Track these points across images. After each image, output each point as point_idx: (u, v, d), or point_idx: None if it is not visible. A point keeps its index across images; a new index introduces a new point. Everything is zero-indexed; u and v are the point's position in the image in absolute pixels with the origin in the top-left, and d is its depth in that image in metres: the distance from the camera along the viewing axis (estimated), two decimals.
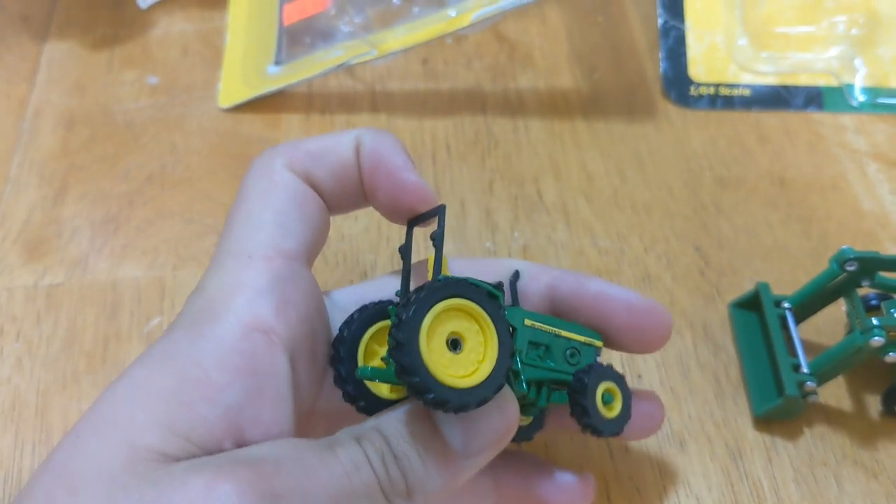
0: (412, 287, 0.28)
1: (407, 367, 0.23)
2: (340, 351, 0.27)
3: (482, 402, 0.24)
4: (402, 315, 0.23)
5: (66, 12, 0.55)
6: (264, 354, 0.24)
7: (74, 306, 0.41)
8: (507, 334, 0.25)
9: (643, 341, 0.31)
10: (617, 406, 0.30)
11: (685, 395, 0.38)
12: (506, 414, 0.26)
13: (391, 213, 0.29)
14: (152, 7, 0.54)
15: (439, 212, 0.27)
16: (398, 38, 0.47)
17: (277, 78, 0.49)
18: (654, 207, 0.45)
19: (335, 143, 0.28)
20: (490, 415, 0.25)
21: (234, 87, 0.50)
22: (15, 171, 0.46)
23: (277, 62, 0.50)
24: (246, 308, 0.24)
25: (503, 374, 0.24)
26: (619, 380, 0.31)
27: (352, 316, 0.27)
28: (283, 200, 0.27)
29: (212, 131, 0.48)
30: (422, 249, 0.42)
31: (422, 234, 0.39)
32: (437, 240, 0.27)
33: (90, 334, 0.40)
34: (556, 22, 0.55)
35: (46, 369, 0.38)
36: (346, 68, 0.48)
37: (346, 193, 0.29)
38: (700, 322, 0.41)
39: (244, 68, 0.50)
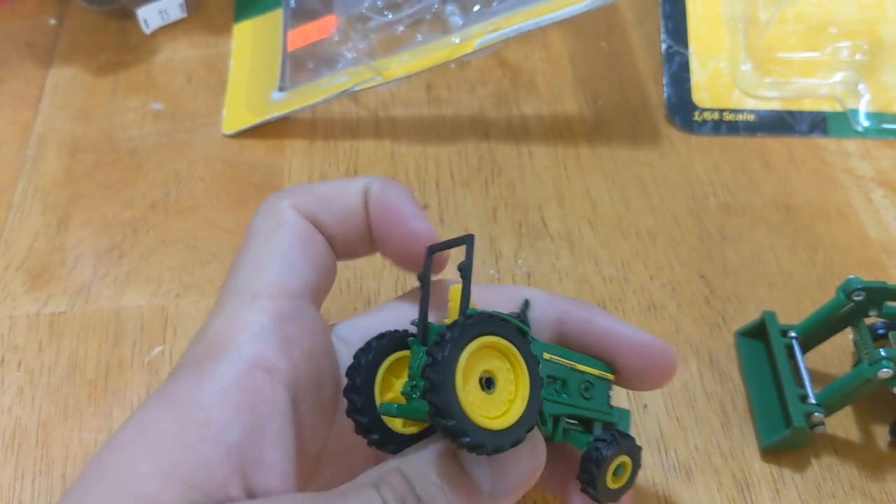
0: (429, 318, 0.27)
1: (443, 409, 0.22)
2: (356, 380, 0.26)
3: (516, 443, 0.23)
4: (437, 354, 0.22)
5: (70, 38, 0.55)
6: (265, 392, 0.24)
7: (77, 335, 0.40)
8: (537, 372, 0.24)
9: (647, 380, 0.31)
10: (624, 478, 0.29)
11: (691, 424, 0.38)
12: (536, 454, 0.25)
13: (401, 261, 0.29)
14: (156, 34, 0.55)
15: (467, 241, 0.26)
16: (402, 64, 0.47)
17: (281, 104, 0.49)
18: (659, 235, 0.45)
19: (343, 190, 0.29)
20: (520, 455, 0.25)
21: (237, 113, 0.50)
22: (19, 198, 0.46)
23: (281, 88, 0.50)
24: (248, 346, 0.24)
25: (534, 414, 0.24)
26: (636, 454, 0.30)
27: (369, 344, 0.26)
28: (288, 240, 0.27)
29: (215, 158, 0.48)
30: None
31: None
32: (465, 271, 0.26)
33: (92, 363, 0.39)
34: (560, 48, 0.55)
35: (48, 399, 0.38)
36: (350, 94, 0.48)
37: (352, 240, 0.29)
38: (706, 351, 0.41)
39: (248, 94, 0.50)
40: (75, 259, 0.43)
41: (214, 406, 0.23)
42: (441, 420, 0.22)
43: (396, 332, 0.27)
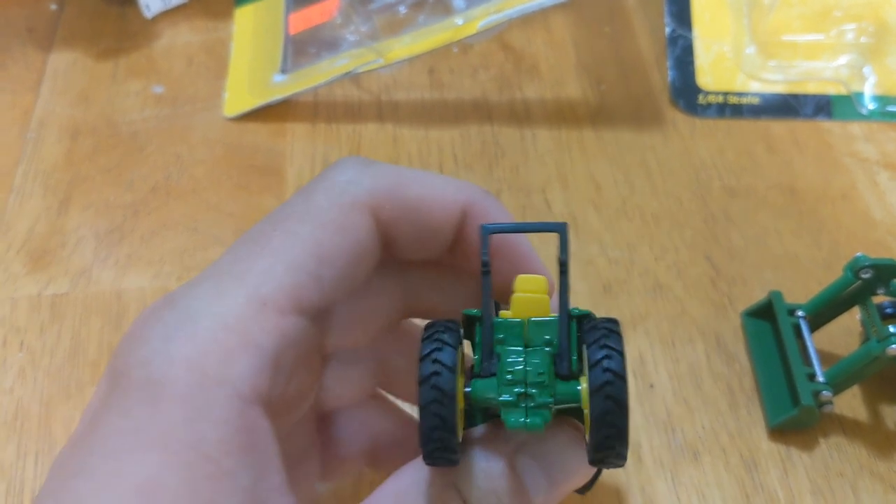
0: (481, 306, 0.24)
1: (625, 439, 0.20)
2: (444, 433, 0.21)
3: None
4: (613, 378, 0.20)
5: (71, 23, 0.54)
6: (261, 426, 0.22)
7: (79, 316, 0.40)
8: None
9: None
10: None
11: (698, 405, 0.38)
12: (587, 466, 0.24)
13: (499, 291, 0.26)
14: (157, 18, 0.54)
15: (560, 229, 0.23)
16: (404, 46, 0.47)
17: (283, 87, 0.49)
18: (664, 217, 0.45)
19: (441, 204, 0.25)
20: (580, 466, 0.24)
21: (239, 96, 0.50)
22: (19, 181, 0.46)
23: (283, 71, 0.50)
24: (245, 378, 0.22)
25: None
26: None
27: (437, 350, 0.22)
28: (339, 250, 0.24)
29: (216, 141, 0.48)
30: None
31: None
32: (564, 265, 0.23)
33: (94, 344, 0.39)
34: (562, 32, 0.55)
35: (50, 379, 0.38)
36: (352, 78, 0.48)
37: (422, 251, 0.26)
38: (712, 332, 0.40)
39: (250, 77, 0.50)
40: (76, 241, 0.43)
41: (223, 456, 0.21)
42: (624, 450, 0.20)
43: (447, 324, 0.23)
